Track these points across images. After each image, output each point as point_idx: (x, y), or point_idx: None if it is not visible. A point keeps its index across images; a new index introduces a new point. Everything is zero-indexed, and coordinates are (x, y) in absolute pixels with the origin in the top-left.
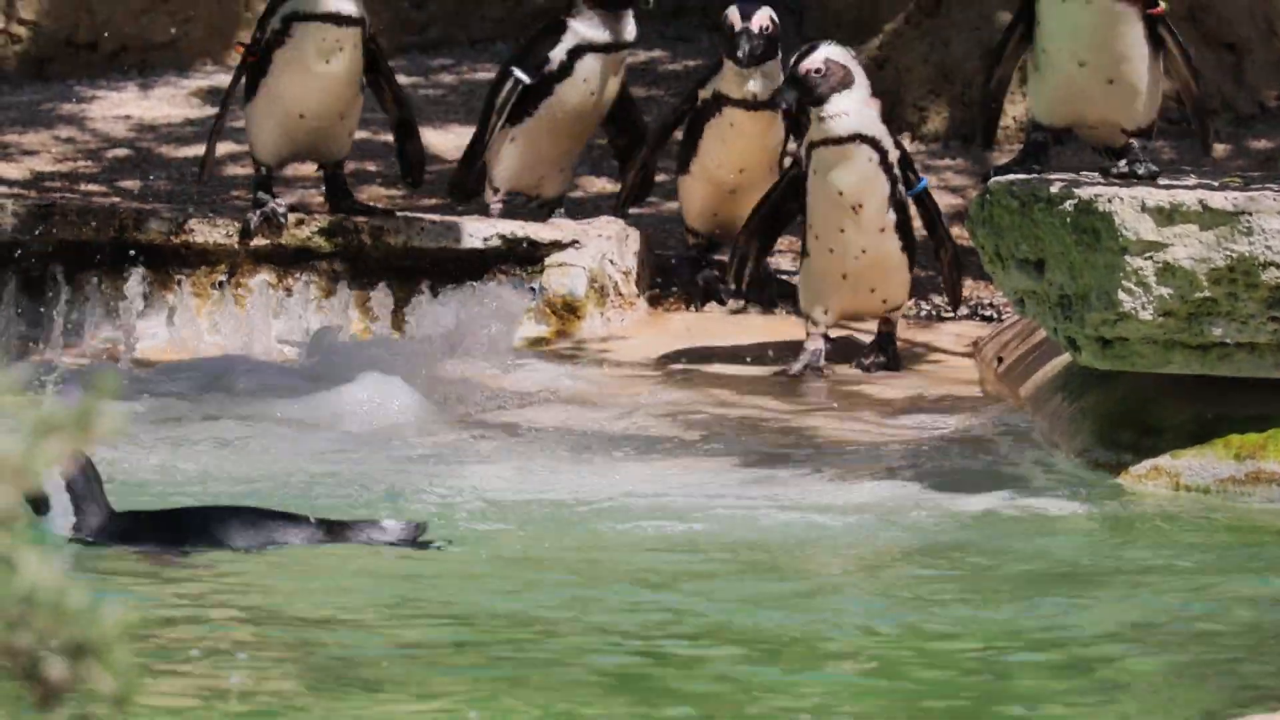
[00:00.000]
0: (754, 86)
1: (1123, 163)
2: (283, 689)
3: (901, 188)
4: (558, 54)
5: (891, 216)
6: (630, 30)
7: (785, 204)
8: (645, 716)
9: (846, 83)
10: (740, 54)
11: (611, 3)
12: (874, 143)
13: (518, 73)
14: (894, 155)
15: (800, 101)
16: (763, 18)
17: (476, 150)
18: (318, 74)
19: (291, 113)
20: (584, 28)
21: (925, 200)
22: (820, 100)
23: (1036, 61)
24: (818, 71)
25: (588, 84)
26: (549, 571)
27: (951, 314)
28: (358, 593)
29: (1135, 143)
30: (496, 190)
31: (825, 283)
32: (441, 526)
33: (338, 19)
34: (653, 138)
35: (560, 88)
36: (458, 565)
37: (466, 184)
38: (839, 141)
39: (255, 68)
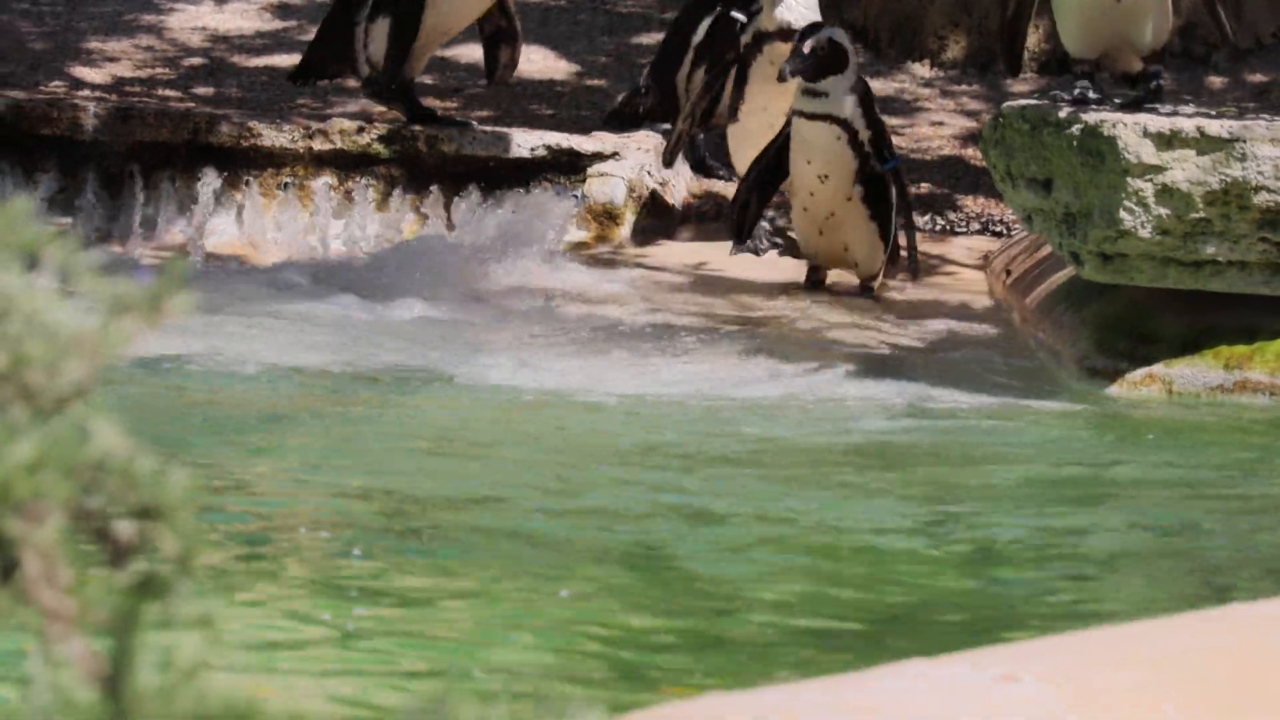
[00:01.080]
0: (789, 15)
1: (1141, 90)
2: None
3: (874, 163)
4: None
5: (859, 189)
6: None
7: (782, 157)
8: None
9: (839, 67)
10: None
11: None
12: (844, 124)
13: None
14: (864, 135)
15: (796, 72)
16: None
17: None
18: None
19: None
20: None
21: (896, 178)
22: (813, 77)
23: None
24: (821, 49)
25: None
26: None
27: (964, 229)
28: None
29: (1151, 69)
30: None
31: (803, 231)
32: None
33: None
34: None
35: None
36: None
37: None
38: (812, 118)
39: None
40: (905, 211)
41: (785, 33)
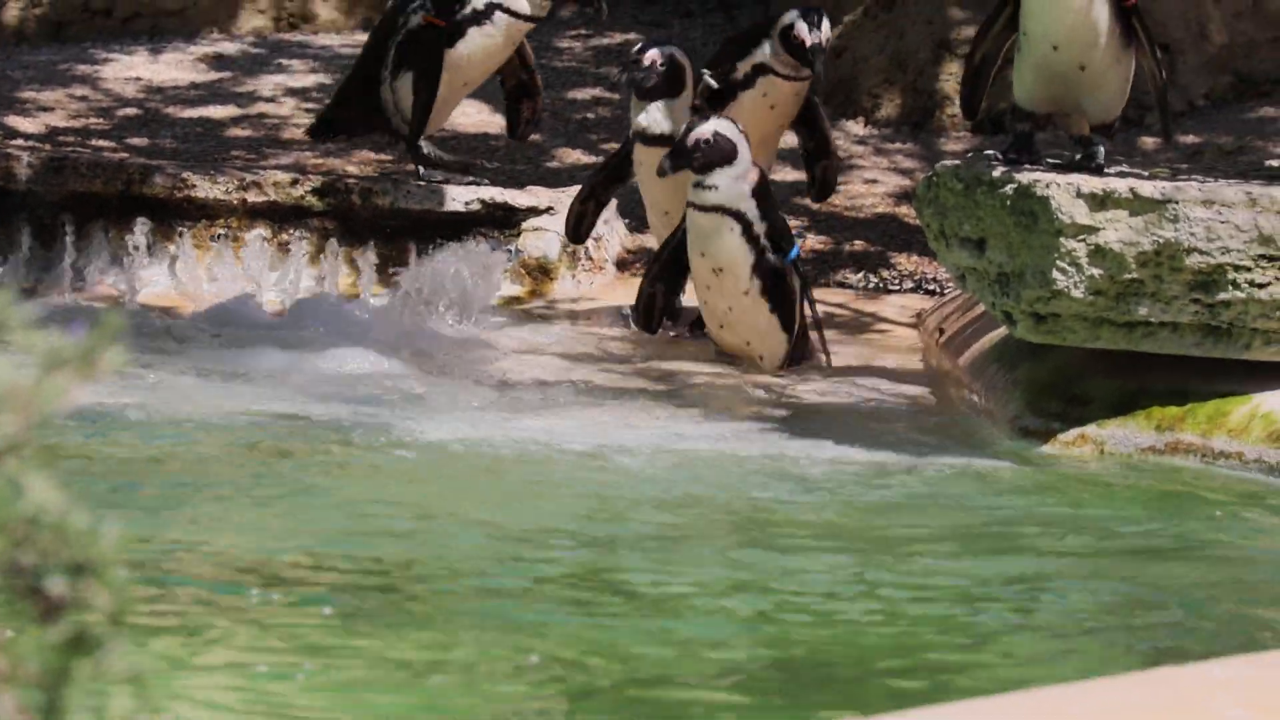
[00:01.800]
0: (647, 123)
1: (1079, 154)
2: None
3: (772, 256)
4: None
5: (756, 283)
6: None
7: (683, 248)
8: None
9: (727, 160)
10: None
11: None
12: (739, 216)
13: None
14: (760, 228)
15: (679, 168)
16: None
17: None
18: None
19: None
20: None
21: (796, 268)
22: (700, 170)
23: (1019, 44)
24: (706, 142)
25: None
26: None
27: (897, 287)
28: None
29: (1096, 138)
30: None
31: (707, 324)
32: (386, 461)
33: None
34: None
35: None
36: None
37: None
38: (704, 209)
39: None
40: (809, 301)
41: (651, 138)
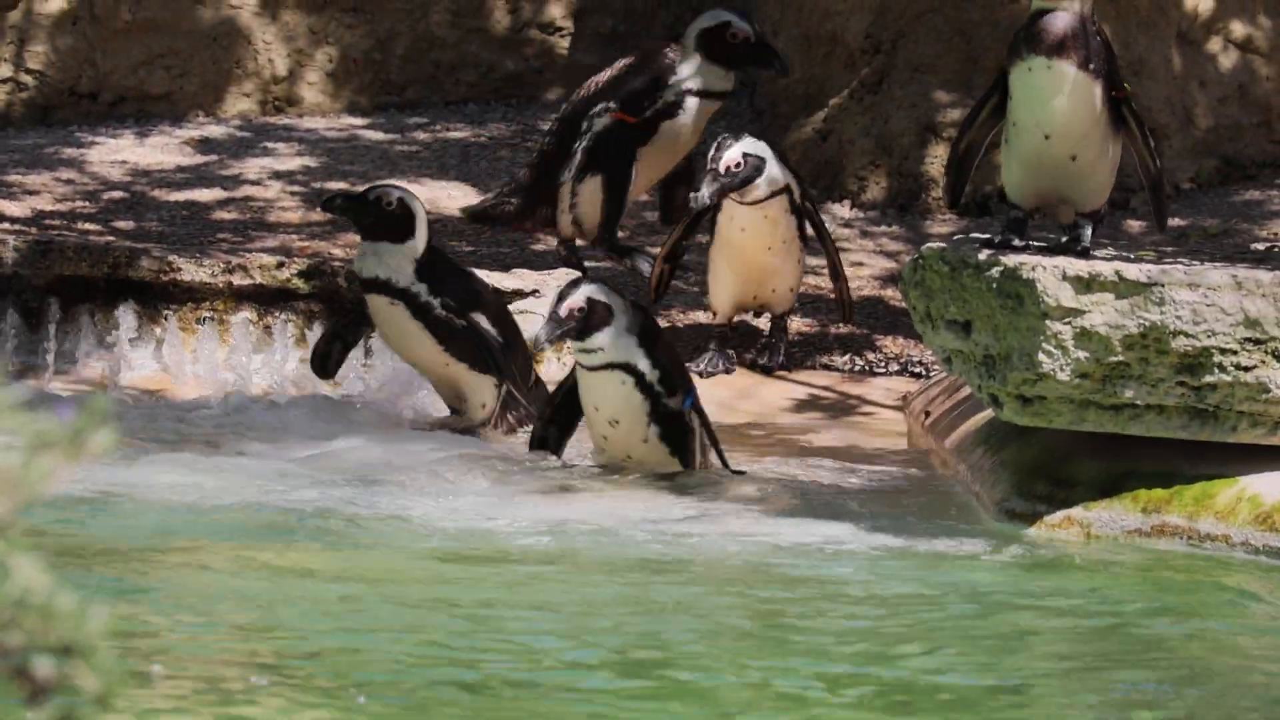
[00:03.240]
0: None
1: (1065, 238)
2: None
3: (667, 401)
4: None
5: (654, 429)
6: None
7: (575, 395)
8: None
9: (605, 321)
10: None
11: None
12: (628, 368)
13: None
14: (652, 376)
15: (556, 339)
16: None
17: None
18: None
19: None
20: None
21: (697, 410)
22: (579, 336)
23: (1007, 134)
24: (580, 310)
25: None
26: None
27: (883, 370)
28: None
29: (1083, 221)
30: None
31: (603, 459)
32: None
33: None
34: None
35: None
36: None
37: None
38: (592, 369)
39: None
40: (713, 440)
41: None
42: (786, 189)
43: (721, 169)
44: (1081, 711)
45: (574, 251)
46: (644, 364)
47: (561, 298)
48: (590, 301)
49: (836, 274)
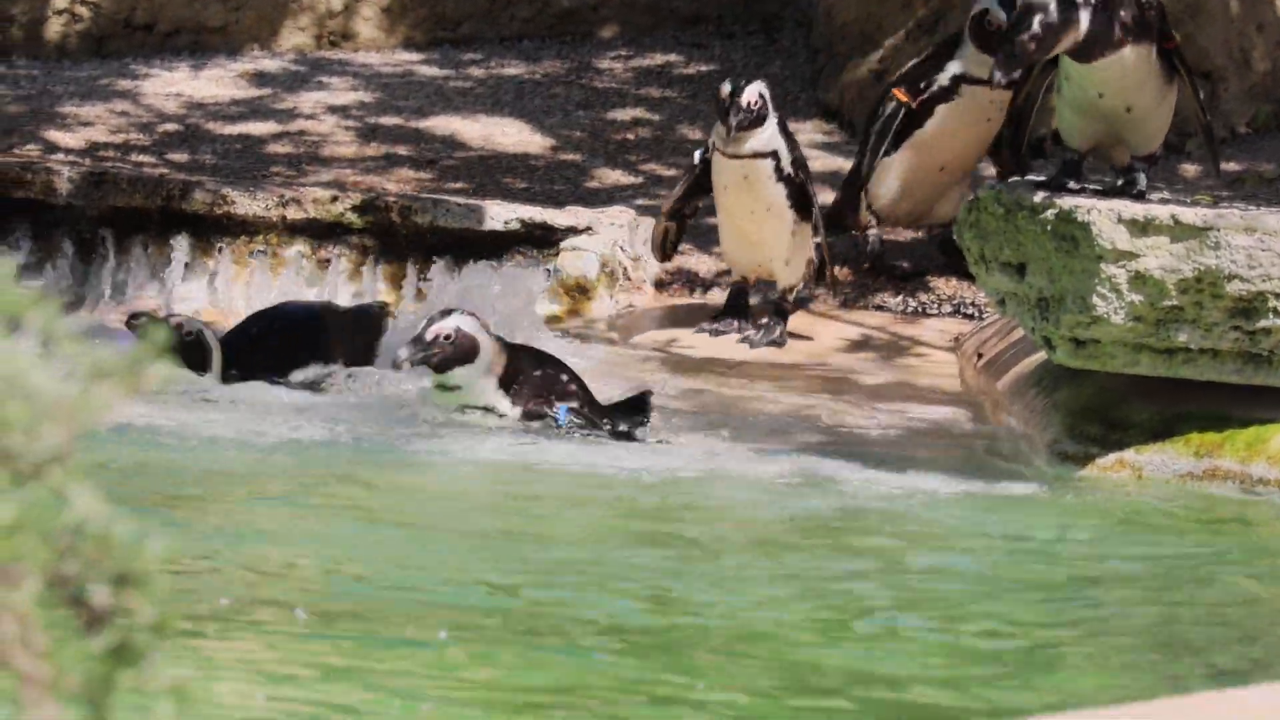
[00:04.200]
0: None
1: (1121, 181)
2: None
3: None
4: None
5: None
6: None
7: None
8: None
9: (470, 356)
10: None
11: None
12: (490, 410)
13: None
14: (514, 414)
15: (419, 362)
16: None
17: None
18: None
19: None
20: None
21: (573, 423)
22: (441, 369)
23: (1059, 85)
24: (447, 338)
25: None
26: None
27: (936, 311)
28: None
29: (1138, 165)
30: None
31: None
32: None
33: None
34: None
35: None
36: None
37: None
38: (465, 410)
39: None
40: (596, 427)
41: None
42: (774, 154)
43: (744, 102)
44: (1140, 655)
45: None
46: (505, 407)
47: (430, 321)
48: (457, 332)
49: (821, 266)
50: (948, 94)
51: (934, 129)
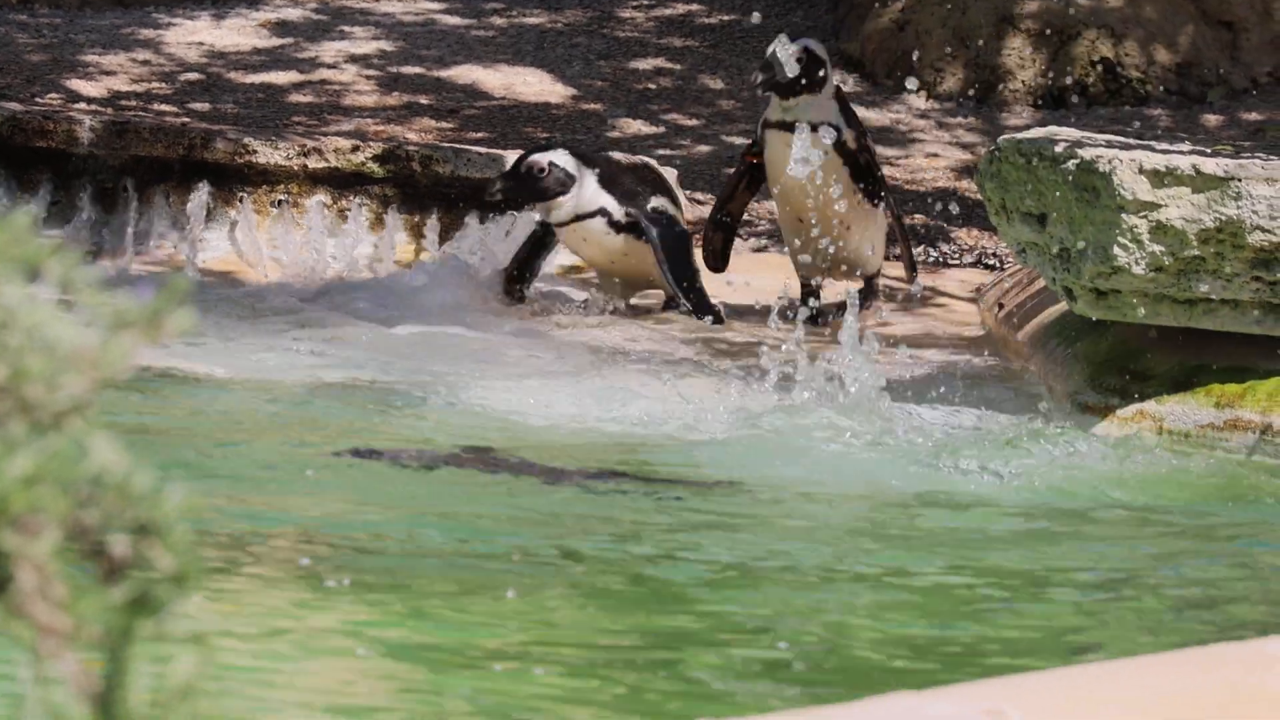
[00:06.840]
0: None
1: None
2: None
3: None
4: None
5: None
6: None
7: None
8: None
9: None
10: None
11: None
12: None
13: None
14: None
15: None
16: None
17: None
18: None
19: None
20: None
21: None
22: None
23: None
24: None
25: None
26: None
27: (957, 261)
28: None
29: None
30: None
31: None
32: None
33: None
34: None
35: None
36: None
37: None
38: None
39: None
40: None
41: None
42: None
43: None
44: (1164, 604)
45: None
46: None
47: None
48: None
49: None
50: (759, 142)
51: (770, 179)
